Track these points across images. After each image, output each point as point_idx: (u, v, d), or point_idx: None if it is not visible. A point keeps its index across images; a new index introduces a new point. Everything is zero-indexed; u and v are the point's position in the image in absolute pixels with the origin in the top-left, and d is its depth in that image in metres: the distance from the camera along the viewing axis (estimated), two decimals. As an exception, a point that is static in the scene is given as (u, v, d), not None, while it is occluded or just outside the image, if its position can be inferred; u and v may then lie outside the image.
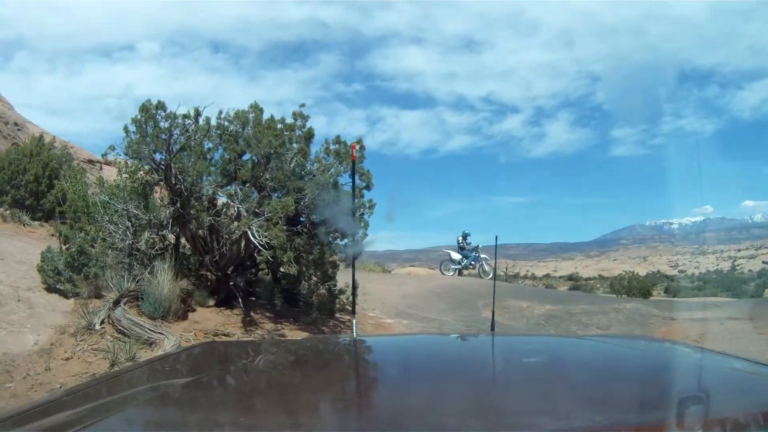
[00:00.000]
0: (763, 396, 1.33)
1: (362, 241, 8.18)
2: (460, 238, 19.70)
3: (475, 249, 19.45)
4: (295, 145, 7.09)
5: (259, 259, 6.55)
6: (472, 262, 19.29)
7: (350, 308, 8.53)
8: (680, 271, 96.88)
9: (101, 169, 17.24)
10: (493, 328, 3.30)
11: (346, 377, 1.67)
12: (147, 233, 7.56)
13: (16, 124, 17.68)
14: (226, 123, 7.59)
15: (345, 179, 7.40)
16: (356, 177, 7.15)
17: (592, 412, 1.19)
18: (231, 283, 7.83)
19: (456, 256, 19.41)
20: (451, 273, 19.01)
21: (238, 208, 6.72)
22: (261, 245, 6.35)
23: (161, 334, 6.44)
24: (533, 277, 73.79)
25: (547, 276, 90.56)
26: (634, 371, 1.67)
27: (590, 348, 2.06)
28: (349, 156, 7.27)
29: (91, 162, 18.05)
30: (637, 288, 23.96)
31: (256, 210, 6.59)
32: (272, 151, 6.75)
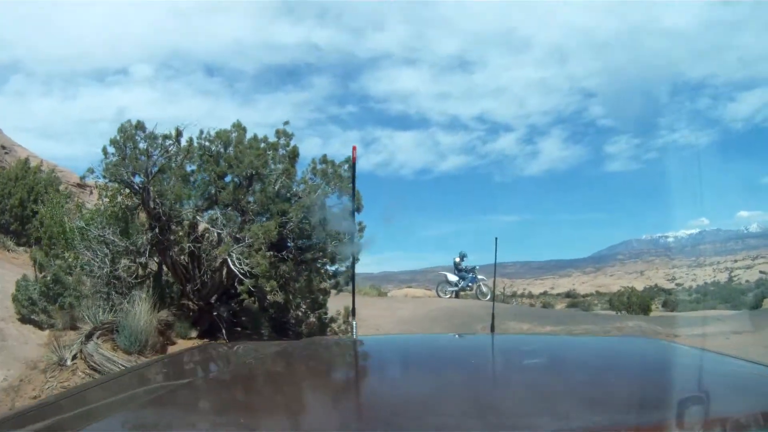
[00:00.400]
0: (763, 396, 1.33)
1: (357, 253, 7.76)
2: (457, 259, 19.21)
3: (473, 270, 18.96)
4: (279, 166, 6.66)
5: (240, 288, 6.08)
6: (470, 284, 18.78)
7: (343, 334, 8.09)
8: (677, 284, 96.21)
9: (91, 193, 16.78)
10: (493, 329, 3.20)
11: (346, 377, 1.68)
12: (124, 261, 7.08)
13: (3, 147, 17.18)
14: (207, 143, 7.16)
15: (332, 200, 6.99)
16: (345, 198, 6.75)
17: (591, 412, 1.17)
18: (214, 313, 7.36)
19: (453, 278, 18.89)
20: (448, 295, 18.50)
21: (218, 233, 6.25)
22: (242, 273, 5.89)
23: (135, 371, 5.97)
24: (530, 296, 73.68)
25: (544, 294, 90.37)
26: (634, 371, 1.66)
27: (590, 348, 2.04)
28: (337, 176, 6.87)
29: (80, 186, 17.54)
30: (637, 304, 23.54)
31: (237, 236, 6.13)
32: (254, 172, 6.33)
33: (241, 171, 6.35)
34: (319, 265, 7.13)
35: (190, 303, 7.50)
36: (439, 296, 18.58)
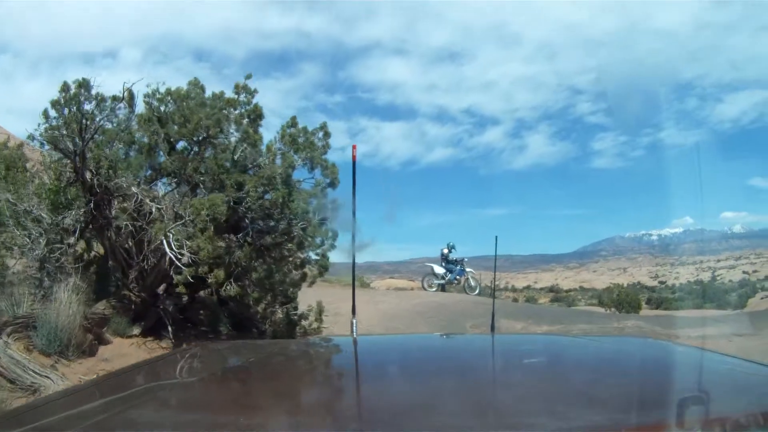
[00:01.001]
0: (763, 396, 1.31)
1: (327, 252, 6.60)
2: (445, 250, 17.98)
3: (461, 262, 17.80)
4: (236, 128, 5.37)
5: (176, 279, 4.86)
6: (457, 276, 17.60)
7: (316, 333, 7.28)
8: (661, 282, 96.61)
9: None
10: (493, 328, 3.06)
11: (346, 377, 1.65)
12: (45, 240, 5.83)
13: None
14: (156, 102, 5.89)
15: (302, 173, 5.77)
16: (317, 172, 5.58)
17: (592, 412, 1.16)
18: (161, 307, 6.14)
19: (439, 270, 17.66)
20: (435, 288, 17.31)
21: (157, 208, 5.00)
22: (178, 259, 4.66)
23: (47, 377, 4.76)
24: (514, 290, 73.28)
25: (527, 288, 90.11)
26: (634, 371, 1.62)
27: (590, 348, 2.03)
28: (309, 145, 5.67)
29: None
30: (627, 302, 22.70)
31: (180, 211, 4.87)
32: (205, 135, 5.07)
33: (187, 133, 5.09)
34: (286, 253, 5.87)
35: (131, 294, 6.26)
36: (424, 289, 17.37)
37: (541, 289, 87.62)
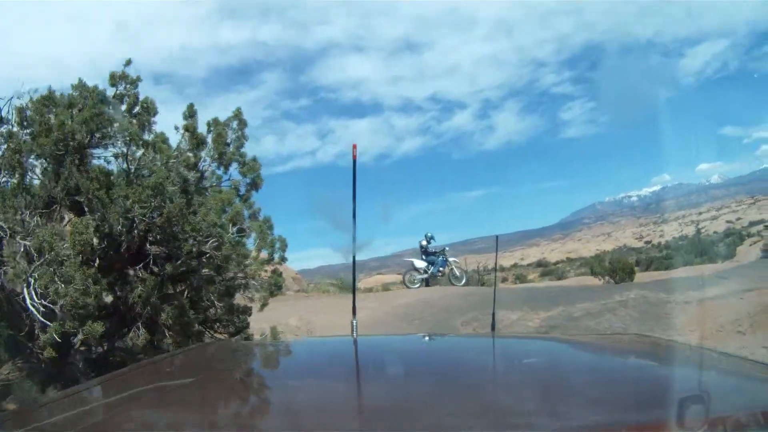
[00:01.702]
0: (763, 396, 1.32)
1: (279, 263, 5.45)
2: (423, 242, 16.76)
3: (442, 252, 16.65)
4: (118, 132, 4.10)
5: (42, 339, 3.61)
6: (440, 268, 16.40)
7: None
8: (646, 242, 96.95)
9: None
10: (493, 327, 2.74)
11: (346, 377, 1.63)
12: None
13: None
14: (29, 111, 4.58)
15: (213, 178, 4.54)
16: (233, 168, 4.37)
17: (591, 412, 1.16)
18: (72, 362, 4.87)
19: (420, 263, 16.44)
20: (417, 284, 16.09)
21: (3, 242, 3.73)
22: (40, 311, 3.42)
23: None
24: (501, 269, 72.67)
25: (515, 266, 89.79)
26: (633, 371, 1.65)
27: (589, 348, 2.04)
28: (218, 140, 4.45)
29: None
30: (620, 269, 21.72)
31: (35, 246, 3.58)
32: (71, 142, 3.82)
33: (50, 143, 3.83)
34: (204, 279, 4.59)
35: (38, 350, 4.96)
36: (407, 287, 16.15)
37: (529, 265, 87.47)
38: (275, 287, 5.70)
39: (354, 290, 2.61)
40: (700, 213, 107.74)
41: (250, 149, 4.88)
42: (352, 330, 2.38)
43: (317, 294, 16.35)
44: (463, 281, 15.90)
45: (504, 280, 42.92)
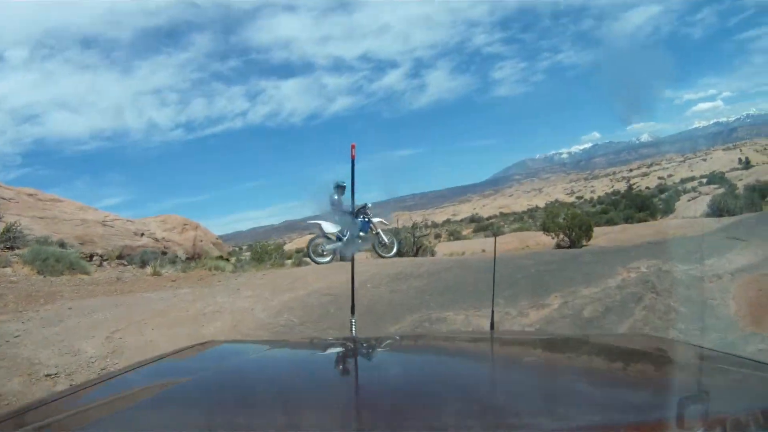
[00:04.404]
0: (763, 396, 1.28)
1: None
2: (335, 196, 11.65)
3: (363, 210, 11.85)
4: None
5: None
6: (361, 233, 11.73)
7: None
8: (578, 198, 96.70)
9: None
10: (492, 326, 2.66)
11: (346, 377, 1.60)
12: None
13: None
14: None
15: None
16: None
17: (591, 412, 1.13)
18: None
19: (330, 227, 11.67)
20: (328, 257, 11.46)
21: None
22: None
23: None
24: (434, 225, 70.23)
25: (447, 222, 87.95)
26: (633, 371, 1.59)
27: (589, 347, 1.99)
28: None
29: None
30: (578, 225, 18.03)
31: None
32: None
33: None
34: None
35: None
36: (314, 261, 11.47)
37: (462, 220, 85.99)
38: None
39: (353, 291, 2.49)
40: (631, 170, 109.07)
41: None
42: (351, 329, 2.41)
43: (206, 276, 11.52)
44: (394, 250, 11.46)
45: (438, 236, 40.54)
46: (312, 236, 11.86)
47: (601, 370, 1.61)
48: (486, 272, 8.28)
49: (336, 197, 11.59)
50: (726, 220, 16.27)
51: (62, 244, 15.14)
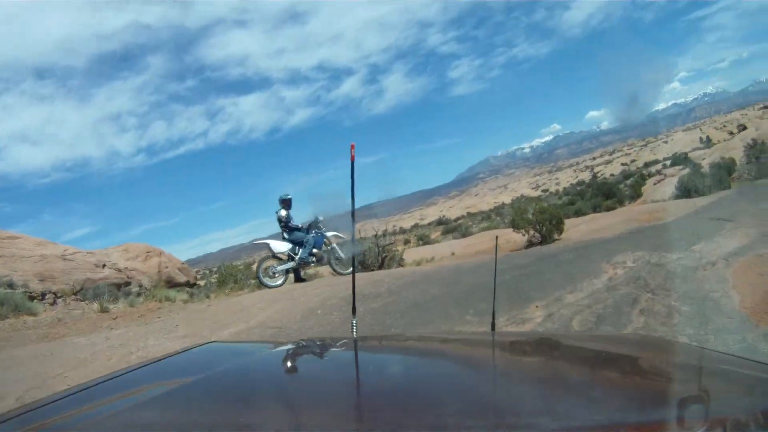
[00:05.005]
0: (763, 396, 1.26)
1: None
2: (282, 212, 10.58)
3: (315, 224, 10.70)
4: None
5: None
6: (314, 250, 10.50)
7: None
8: (544, 191, 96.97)
9: None
10: (493, 327, 2.54)
11: (347, 377, 1.56)
12: None
13: None
14: None
15: None
16: None
17: (591, 412, 1.10)
18: None
19: (281, 246, 10.45)
20: (280, 280, 10.22)
21: None
22: None
23: None
24: (402, 231, 69.44)
25: (415, 226, 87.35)
26: (633, 371, 1.57)
27: (589, 347, 1.95)
28: None
29: None
30: (548, 220, 17.19)
31: None
32: None
33: None
34: None
35: None
36: (265, 285, 10.17)
37: (429, 224, 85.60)
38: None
39: (354, 290, 2.46)
40: (594, 158, 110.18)
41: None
42: (352, 330, 2.40)
43: (150, 311, 10.28)
44: (350, 269, 10.36)
45: (407, 242, 39.65)
46: (261, 258, 10.67)
47: (601, 370, 1.57)
48: (453, 285, 7.25)
49: (283, 212, 10.53)
50: (700, 201, 15.71)
51: (11, 285, 14.04)
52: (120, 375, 1.66)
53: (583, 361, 1.69)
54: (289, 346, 2.22)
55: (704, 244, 7.80)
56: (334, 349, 2.08)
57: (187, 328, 7.43)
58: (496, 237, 3.57)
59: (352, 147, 2.56)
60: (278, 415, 1.19)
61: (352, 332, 2.40)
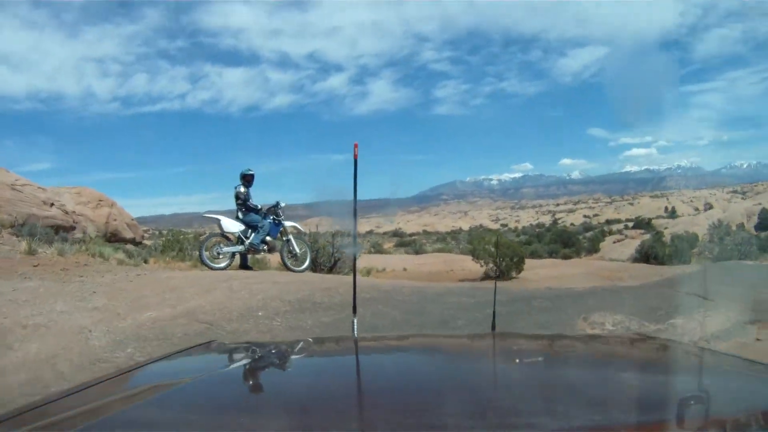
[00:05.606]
0: (763, 396, 1.29)
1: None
2: (242, 189, 9.56)
3: (274, 209, 9.69)
4: None
5: None
6: (268, 237, 9.49)
7: None
8: (503, 225, 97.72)
9: None
10: (494, 327, 2.44)
11: (347, 377, 1.58)
12: None
13: None
14: None
15: None
16: None
17: (591, 412, 1.13)
18: None
19: (232, 225, 9.39)
20: (224, 263, 9.18)
21: None
22: None
23: None
24: (357, 235, 68.56)
25: (370, 233, 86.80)
26: (634, 371, 1.60)
27: (590, 347, 2.01)
28: None
29: None
30: (509, 256, 16.59)
31: None
32: None
33: None
34: None
35: None
36: (206, 266, 9.11)
37: (385, 234, 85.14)
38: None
39: (354, 289, 2.55)
40: (558, 204, 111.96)
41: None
42: (353, 329, 2.43)
43: (76, 266, 9.15)
44: (306, 263, 9.43)
45: (371, 250, 39.07)
46: (207, 233, 9.64)
47: (601, 370, 1.59)
48: (417, 314, 6.41)
49: (242, 189, 9.56)
50: (666, 270, 15.40)
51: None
52: (120, 375, 1.64)
53: (583, 362, 1.69)
54: (290, 347, 2.18)
55: (684, 321, 7.29)
56: (334, 349, 2.08)
57: (103, 298, 6.40)
58: (497, 243, 3.58)
59: (356, 146, 2.52)
60: (278, 416, 1.15)
61: (353, 332, 2.41)
